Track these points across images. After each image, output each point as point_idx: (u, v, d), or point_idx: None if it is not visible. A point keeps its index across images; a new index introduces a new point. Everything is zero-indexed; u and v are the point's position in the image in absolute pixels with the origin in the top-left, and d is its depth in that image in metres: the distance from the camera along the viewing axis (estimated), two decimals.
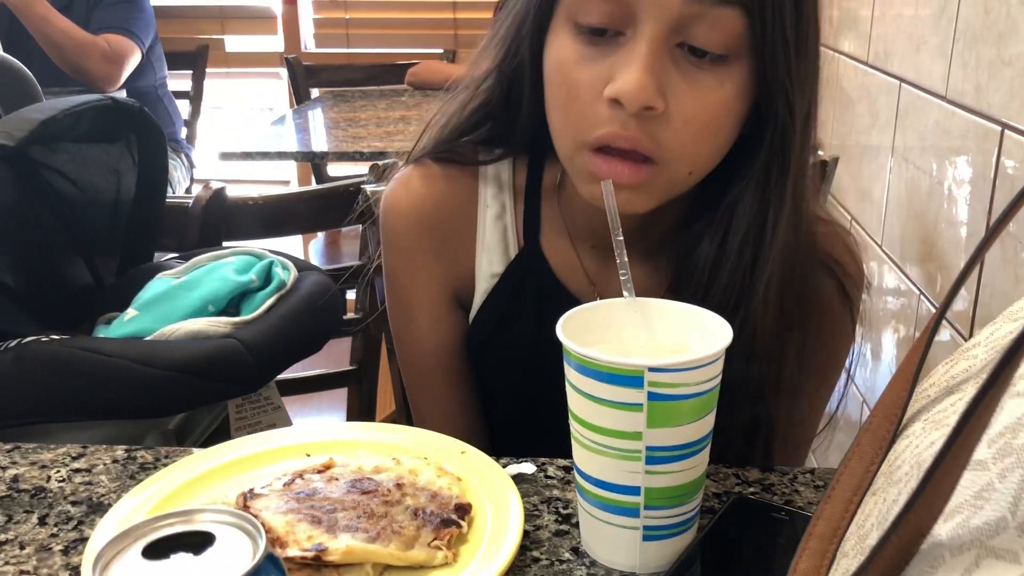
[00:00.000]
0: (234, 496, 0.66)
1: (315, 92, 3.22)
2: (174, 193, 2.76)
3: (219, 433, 1.19)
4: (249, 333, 0.99)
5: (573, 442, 0.62)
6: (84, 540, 0.66)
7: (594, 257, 0.85)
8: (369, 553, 0.59)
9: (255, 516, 0.58)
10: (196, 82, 3.29)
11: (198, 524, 0.42)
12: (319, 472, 0.69)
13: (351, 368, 1.66)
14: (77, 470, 0.75)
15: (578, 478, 0.63)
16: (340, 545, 0.59)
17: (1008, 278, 1.02)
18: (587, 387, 0.58)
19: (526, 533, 0.66)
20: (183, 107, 3.21)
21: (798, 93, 0.72)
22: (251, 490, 0.66)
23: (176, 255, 1.23)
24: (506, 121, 0.83)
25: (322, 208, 1.48)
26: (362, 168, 2.58)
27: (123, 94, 2.69)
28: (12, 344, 0.95)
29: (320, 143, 2.40)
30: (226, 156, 2.21)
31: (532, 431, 0.84)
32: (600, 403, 0.58)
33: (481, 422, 0.92)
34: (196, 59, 3.29)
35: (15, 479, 0.74)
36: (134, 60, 2.78)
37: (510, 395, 0.91)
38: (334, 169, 3.14)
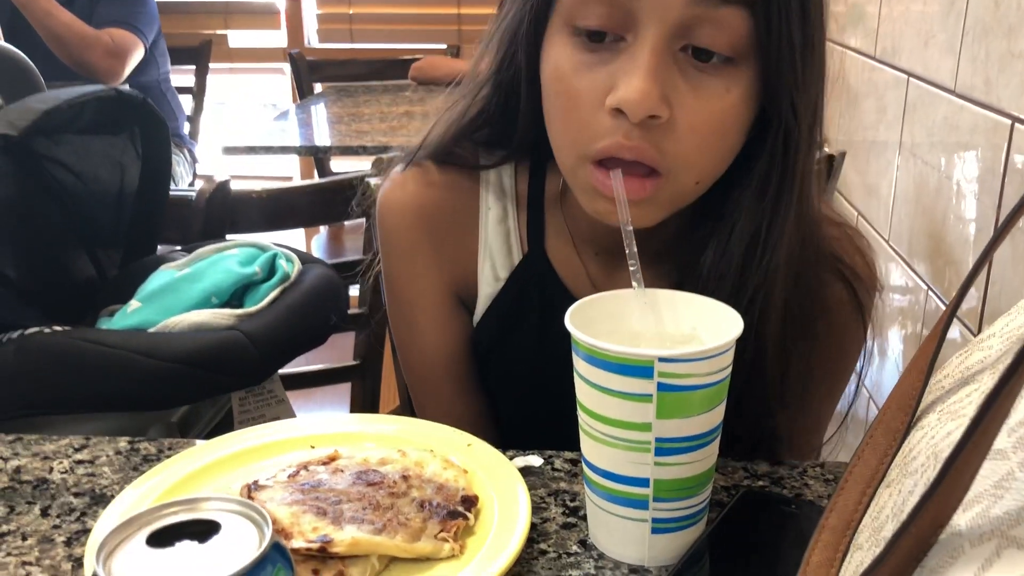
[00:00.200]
0: (238, 488, 0.66)
1: (318, 87, 3.22)
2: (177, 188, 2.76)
3: (222, 426, 1.19)
4: (253, 325, 0.98)
5: (581, 434, 0.62)
6: (87, 531, 0.65)
7: (598, 263, 0.84)
8: (375, 545, 0.59)
9: None
10: (199, 77, 3.29)
11: (203, 512, 0.41)
12: (324, 464, 0.68)
13: (355, 363, 1.65)
14: (80, 461, 0.75)
15: (586, 470, 0.62)
16: (346, 537, 0.58)
17: (1018, 274, 1.01)
18: (596, 378, 0.58)
19: (533, 526, 0.65)
20: (186, 102, 3.20)
21: (803, 95, 0.69)
22: (255, 482, 0.65)
23: (179, 247, 1.23)
24: (506, 128, 0.81)
25: (325, 201, 1.48)
26: (365, 163, 2.58)
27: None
28: (15, 335, 0.94)
29: (323, 138, 2.39)
30: (229, 151, 2.20)
31: (537, 433, 0.83)
32: (609, 394, 0.57)
33: (487, 425, 0.91)
34: (199, 54, 3.28)
35: (17, 470, 0.73)
36: (137, 55, 2.78)
37: (514, 399, 0.90)
38: (337, 165, 3.14)
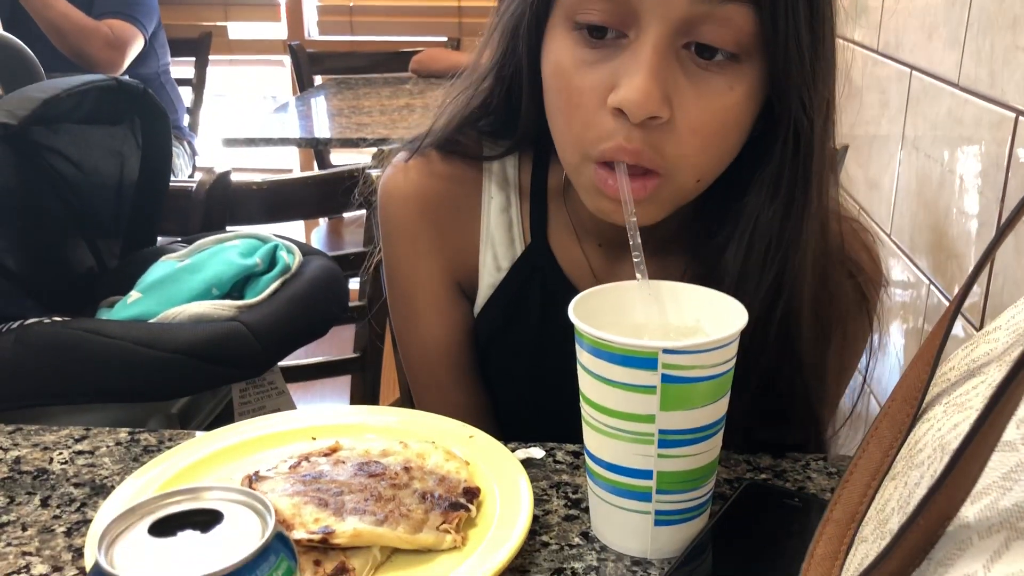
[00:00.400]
0: (239, 479, 0.65)
1: (318, 79, 3.21)
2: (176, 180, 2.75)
3: (223, 418, 1.19)
4: (254, 316, 0.98)
5: (584, 425, 0.61)
6: (87, 522, 0.65)
7: (600, 255, 0.84)
8: (377, 536, 0.59)
9: None
10: (199, 69, 3.28)
11: (206, 502, 0.41)
12: (325, 455, 0.68)
13: (355, 355, 1.65)
14: (80, 452, 0.75)
15: (589, 462, 0.62)
16: (347, 528, 0.58)
17: (1021, 268, 1.01)
18: (600, 369, 0.57)
19: (535, 518, 0.65)
20: (186, 94, 3.19)
21: (814, 91, 0.68)
22: (256, 473, 0.65)
23: (180, 239, 1.22)
24: (508, 119, 0.81)
25: (326, 193, 1.47)
26: (365, 156, 2.57)
27: None
28: (14, 326, 0.94)
29: (323, 130, 2.39)
30: (229, 142, 2.20)
31: (537, 425, 0.83)
32: (613, 385, 0.57)
33: (487, 417, 0.91)
34: (199, 46, 3.28)
35: (17, 460, 0.73)
36: (137, 46, 2.77)
37: (514, 391, 0.90)
38: (337, 158, 3.13)
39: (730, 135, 0.69)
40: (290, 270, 1.07)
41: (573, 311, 0.60)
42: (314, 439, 0.72)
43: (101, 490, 0.69)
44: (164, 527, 0.40)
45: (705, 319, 0.63)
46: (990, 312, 1.09)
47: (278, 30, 3.84)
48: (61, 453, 0.74)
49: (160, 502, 0.41)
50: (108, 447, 0.75)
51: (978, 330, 0.88)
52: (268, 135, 2.26)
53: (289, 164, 3.91)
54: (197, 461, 0.70)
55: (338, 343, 1.73)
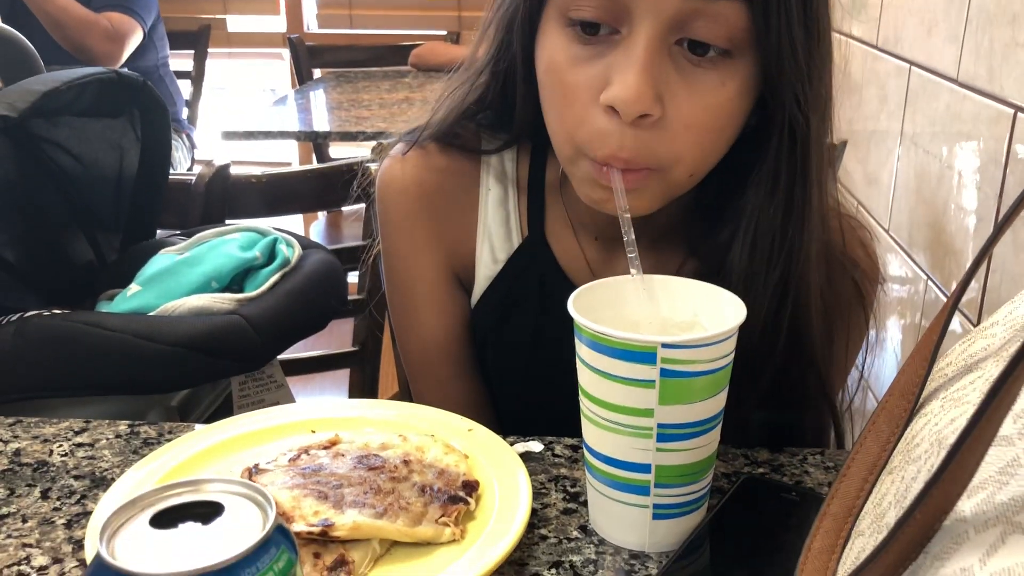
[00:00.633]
0: (239, 471, 0.66)
1: (317, 73, 3.20)
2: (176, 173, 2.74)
3: (222, 411, 1.19)
4: (253, 310, 0.98)
5: (583, 419, 0.62)
6: (87, 514, 0.65)
7: (597, 248, 0.84)
8: (376, 529, 0.59)
9: None
10: (198, 62, 3.28)
11: (207, 494, 0.41)
12: (325, 448, 0.68)
13: (354, 349, 1.65)
14: (80, 444, 0.75)
15: (587, 456, 0.62)
16: (347, 521, 0.58)
17: (1019, 263, 1.01)
18: (599, 363, 0.58)
19: (534, 511, 0.65)
20: (185, 87, 3.19)
21: (809, 88, 0.68)
22: (256, 465, 0.65)
23: (179, 232, 1.22)
24: (505, 113, 0.81)
25: (325, 187, 1.47)
26: (364, 150, 2.57)
27: None
28: (13, 318, 0.94)
29: (322, 124, 2.39)
30: (228, 135, 2.20)
31: (534, 418, 0.83)
32: (612, 380, 0.57)
33: (485, 410, 0.91)
34: (198, 39, 3.27)
35: (17, 452, 0.73)
36: (135, 39, 2.77)
37: (512, 383, 0.90)
38: (336, 151, 3.13)
39: (723, 131, 0.70)
40: (289, 263, 1.07)
41: (572, 305, 0.60)
42: (313, 432, 0.73)
43: (101, 482, 0.69)
44: (165, 519, 0.40)
45: (702, 313, 0.64)
46: (987, 308, 1.09)
47: (277, 23, 3.84)
48: (61, 445, 0.74)
49: (161, 494, 0.41)
50: (108, 439, 0.75)
51: (975, 326, 0.88)
52: (267, 128, 2.26)
53: (288, 157, 3.91)
54: (196, 454, 0.70)
55: (337, 337, 1.73)
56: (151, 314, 0.98)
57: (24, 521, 0.65)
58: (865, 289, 0.81)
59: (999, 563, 0.33)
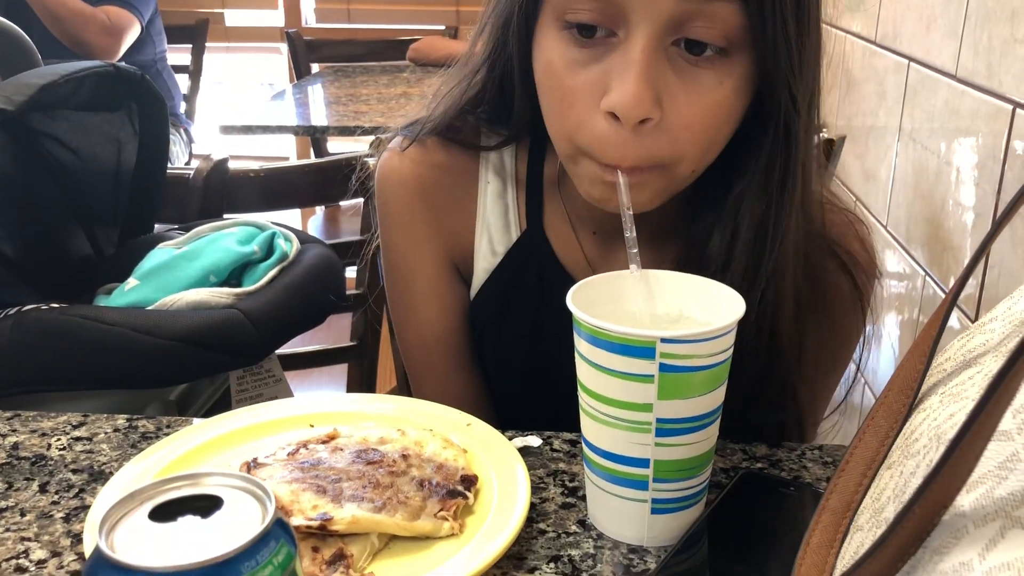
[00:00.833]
0: (238, 465, 0.66)
1: (315, 67, 3.20)
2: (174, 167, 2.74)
3: (220, 405, 1.18)
4: (251, 304, 0.98)
5: (582, 414, 0.62)
6: (85, 508, 0.65)
7: (595, 243, 0.84)
8: (375, 523, 0.59)
9: None
10: (196, 56, 3.27)
11: (206, 487, 0.41)
12: (323, 443, 0.68)
13: (352, 344, 1.65)
14: (78, 438, 0.75)
15: (586, 450, 0.62)
16: (345, 515, 0.58)
17: (1018, 258, 1.01)
18: (598, 358, 0.58)
19: (532, 506, 0.65)
20: (182, 82, 3.18)
21: (801, 82, 0.69)
22: (255, 460, 0.65)
23: (177, 226, 1.22)
24: (503, 109, 0.81)
25: (323, 182, 1.47)
26: (362, 144, 2.57)
27: None
28: (11, 312, 0.94)
29: (320, 118, 2.38)
30: (226, 130, 2.19)
31: (532, 413, 0.83)
32: (611, 374, 0.57)
33: (483, 404, 0.91)
34: (196, 33, 3.26)
35: (15, 446, 0.73)
36: (133, 33, 2.76)
37: (510, 377, 0.90)
38: (334, 146, 3.13)
39: (723, 128, 0.70)
40: (288, 258, 1.07)
41: (571, 300, 0.60)
42: (312, 426, 0.73)
43: (99, 476, 0.69)
44: (164, 512, 0.40)
45: (699, 308, 0.64)
46: (986, 303, 1.09)
47: (275, 17, 3.83)
48: (59, 439, 0.74)
49: (160, 487, 0.41)
50: (106, 433, 0.75)
51: (974, 321, 0.88)
52: (265, 123, 2.25)
53: (286, 152, 3.90)
54: (195, 448, 0.70)
55: (335, 331, 1.73)
56: (149, 308, 0.98)
57: (23, 515, 0.64)
58: (862, 283, 0.81)
59: (998, 557, 0.33)
